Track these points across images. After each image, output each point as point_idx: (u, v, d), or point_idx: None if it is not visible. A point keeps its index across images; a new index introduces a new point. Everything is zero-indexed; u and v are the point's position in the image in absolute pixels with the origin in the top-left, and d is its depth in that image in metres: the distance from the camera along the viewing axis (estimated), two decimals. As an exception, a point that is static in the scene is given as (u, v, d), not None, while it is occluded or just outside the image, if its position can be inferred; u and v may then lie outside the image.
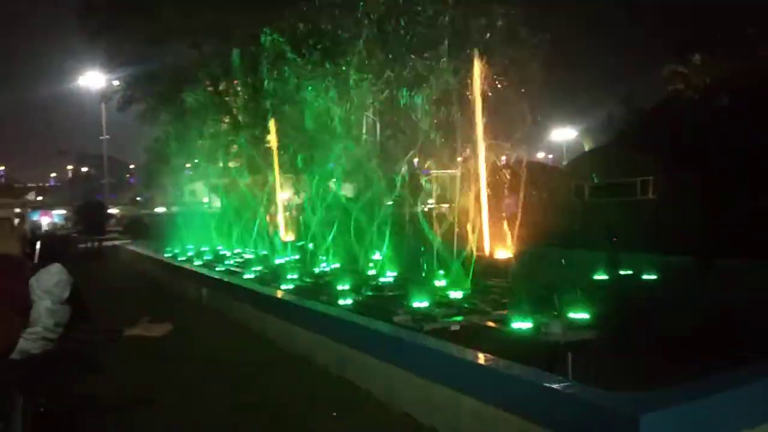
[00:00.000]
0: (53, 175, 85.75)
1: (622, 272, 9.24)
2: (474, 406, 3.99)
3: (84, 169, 75.77)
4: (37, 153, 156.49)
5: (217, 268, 13.28)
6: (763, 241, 8.78)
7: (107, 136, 42.53)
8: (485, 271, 9.39)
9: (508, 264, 9.82)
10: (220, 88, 22.08)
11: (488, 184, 10.26)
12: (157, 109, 23.44)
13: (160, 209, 39.56)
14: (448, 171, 14.89)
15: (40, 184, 74.98)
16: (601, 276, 9.19)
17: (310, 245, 14.26)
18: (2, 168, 77.12)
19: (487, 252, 10.29)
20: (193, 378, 6.01)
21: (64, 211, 46.85)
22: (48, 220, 45.18)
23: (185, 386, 5.73)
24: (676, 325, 5.89)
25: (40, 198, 60.26)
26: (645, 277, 8.89)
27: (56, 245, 3.91)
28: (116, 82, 26.49)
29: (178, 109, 21.54)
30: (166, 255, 18.13)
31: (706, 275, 8.25)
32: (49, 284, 3.07)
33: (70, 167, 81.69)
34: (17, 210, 38.02)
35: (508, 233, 10.12)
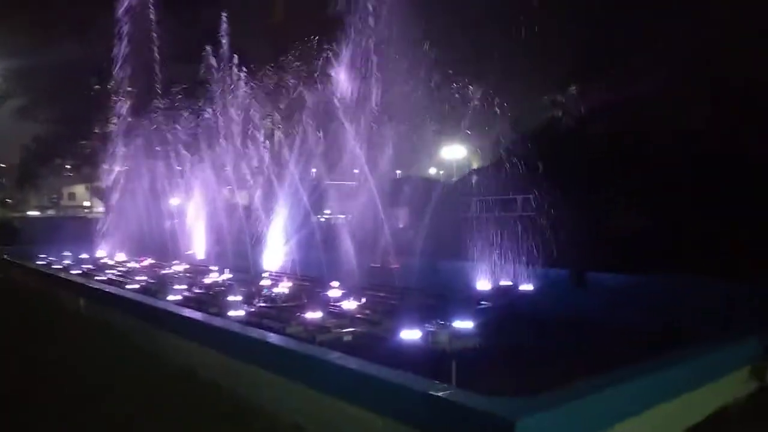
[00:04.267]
0: None
1: (502, 283, 9.92)
2: (362, 415, 4.07)
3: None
4: None
5: (97, 278, 12.49)
6: (634, 257, 9.69)
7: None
8: (378, 281, 9.61)
9: (399, 274, 10.15)
10: (109, 86, 20.95)
11: (381, 197, 10.60)
12: (40, 104, 21.85)
13: (33, 213, 36.67)
14: (346, 182, 15.02)
15: None
16: (483, 286, 9.81)
17: (203, 254, 13.79)
18: None
19: (379, 263, 10.58)
20: (67, 400, 5.63)
21: None
22: None
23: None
24: (546, 333, 6.43)
25: None
26: (522, 288, 9.62)
27: None
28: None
29: (64, 106, 20.23)
30: (39, 262, 16.75)
31: (579, 287, 8.98)
32: None
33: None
34: None
35: (398, 245, 10.48)
